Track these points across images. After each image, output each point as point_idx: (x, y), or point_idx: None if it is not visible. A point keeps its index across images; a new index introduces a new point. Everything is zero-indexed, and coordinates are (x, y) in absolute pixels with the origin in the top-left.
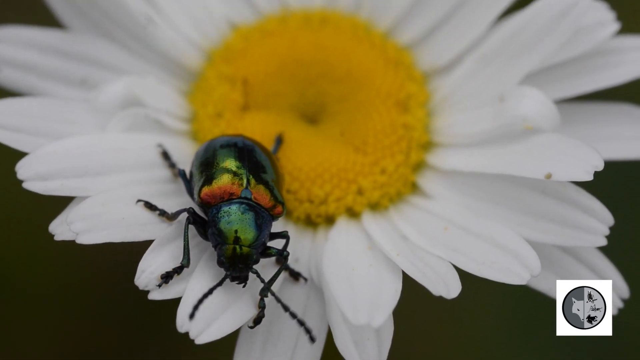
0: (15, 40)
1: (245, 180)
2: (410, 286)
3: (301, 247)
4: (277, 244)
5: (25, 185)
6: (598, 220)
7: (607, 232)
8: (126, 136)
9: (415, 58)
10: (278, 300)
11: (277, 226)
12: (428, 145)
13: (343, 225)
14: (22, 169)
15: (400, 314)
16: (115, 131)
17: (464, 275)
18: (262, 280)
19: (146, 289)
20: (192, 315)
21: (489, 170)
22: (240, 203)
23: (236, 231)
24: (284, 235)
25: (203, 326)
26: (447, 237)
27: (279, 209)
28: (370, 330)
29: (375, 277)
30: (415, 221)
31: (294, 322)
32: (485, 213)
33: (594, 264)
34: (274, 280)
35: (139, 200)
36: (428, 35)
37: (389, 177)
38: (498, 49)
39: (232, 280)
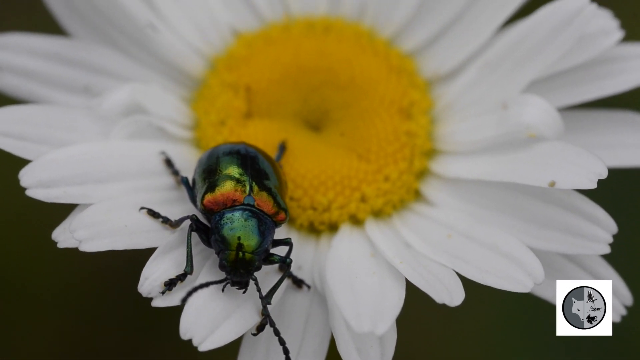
0: (18, 47)
1: (248, 187)
2: (411, 291)
3: (304, 255)
4: (281, 251)
5: (28, 192)
6: (601, 228)
7: (611, 240)
8: (129, 144)
9: (418, 65)
10: (267, 315)
11: (280, 233)
12: (431, 153)
13: (346, 232)
14: (25, 177)
15: (402, 319)
16: (118, 138)
17: (464, 277)
18: (259, 290)
19: (149, 296)
20: (184, 300)
21: (492, 177)
22: (244, 210)
23: (239, 237)
24: (287, 242)
25: (206, 333)
26: (451, 245)
27: (282, 215)
28: (374, 338)
29: (379, 284)
30: (418, 229)
31: (298, 329)
32: (488, 221)
33: (597, 272)
34: (277, 288)
35: (142, 208)
36: (431, 42)
37: (392, 185)
38: (501, 57)
39: (233, 284)
